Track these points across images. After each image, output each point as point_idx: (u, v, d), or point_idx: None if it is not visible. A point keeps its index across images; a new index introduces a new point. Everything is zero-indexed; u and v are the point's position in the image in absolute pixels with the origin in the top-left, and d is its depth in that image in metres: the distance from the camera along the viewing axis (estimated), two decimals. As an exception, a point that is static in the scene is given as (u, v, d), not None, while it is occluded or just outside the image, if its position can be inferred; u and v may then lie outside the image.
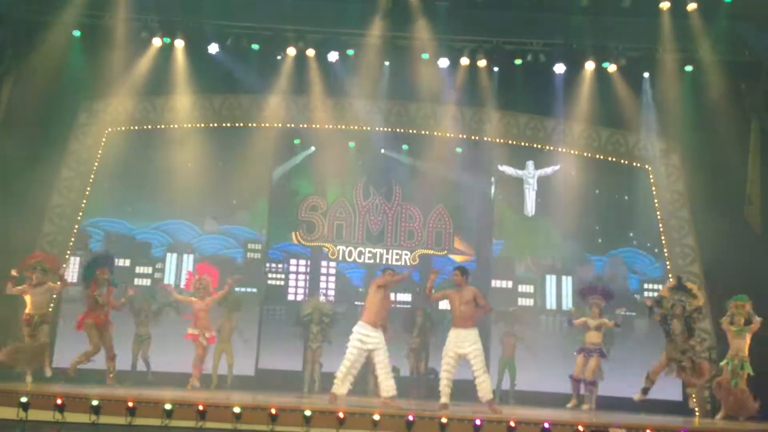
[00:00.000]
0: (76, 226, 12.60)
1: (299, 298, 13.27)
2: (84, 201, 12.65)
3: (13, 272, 10.41)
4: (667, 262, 12.82)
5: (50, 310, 10.81)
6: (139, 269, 12.90)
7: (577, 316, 11.40)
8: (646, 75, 12.71)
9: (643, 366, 10.82)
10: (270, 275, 13.39)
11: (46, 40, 11.91)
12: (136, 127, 13.01)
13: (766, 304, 10.83)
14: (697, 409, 11.12)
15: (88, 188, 12.69)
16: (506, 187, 13.56)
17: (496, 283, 13.16)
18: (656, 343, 11.02)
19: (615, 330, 11.42)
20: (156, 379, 11.46)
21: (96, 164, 12.76)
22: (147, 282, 12.80)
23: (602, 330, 11.02)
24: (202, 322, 10.99)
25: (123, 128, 12.93)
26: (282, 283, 13.45)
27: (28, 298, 10.48)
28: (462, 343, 9.10)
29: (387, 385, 9.21)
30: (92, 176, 12.74)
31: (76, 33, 12.23)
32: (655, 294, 11.13)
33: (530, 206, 13.44)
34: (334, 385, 9.30)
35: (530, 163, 13.51)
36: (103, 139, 12.84)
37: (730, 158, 12.17)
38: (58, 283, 10.68)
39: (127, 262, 12.78)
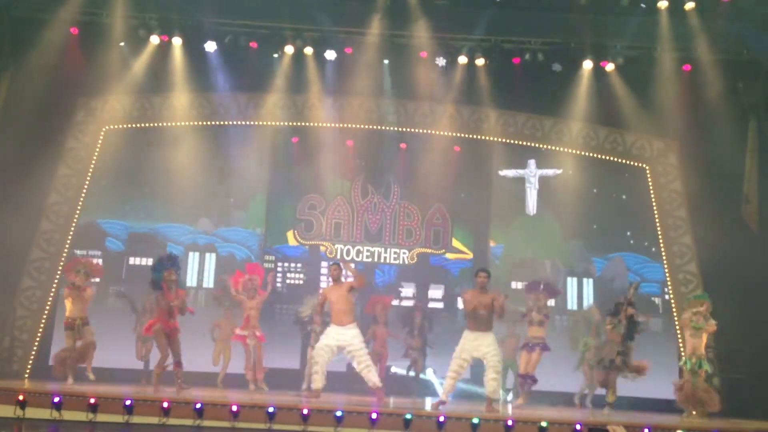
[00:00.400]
0: (74, 224, 12.58)
1: None
2: (81, 199, 12.63)
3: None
4: (665, 262, 12.84)
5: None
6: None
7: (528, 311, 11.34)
8: (644, 74, 12.70)
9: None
10: (289, 275, 13.37)
11: (43, 37, 11.87)
12: (134, 125, 13.00)
13: (763, 302, 10.86)
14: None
15: (86, 186, 12.68)
16: (506, 186, 13.56)
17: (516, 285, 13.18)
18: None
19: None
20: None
21: (93, 162, 12.74)
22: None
23: (545, 325, 10.98)
24: (252, 321, 10.96)
25: (121, 126, 12.91)
26: (301, 282, 13.41)
27: (68, 303, 10.50)
28: (479, 346, 9.11)
29: (368, 379, 9.41)
30: (90, 174, 12.71)
31: (74, 30, 12.20)
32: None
33: (532, 205, 13.47)
34: (313, 383, 9.53)
35: (532, 162, 13.54)
36: (101, 137, 12.82)
37: (728, 157, 12.19)
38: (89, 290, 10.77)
39: (149, 261, 12.76)
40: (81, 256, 11.39)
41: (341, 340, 9.48)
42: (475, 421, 8.05)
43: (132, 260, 12.99)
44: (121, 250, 12.94)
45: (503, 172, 13.52)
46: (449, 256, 13.59)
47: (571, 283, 13.21)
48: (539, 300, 11.02)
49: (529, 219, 13.51)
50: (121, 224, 13.02)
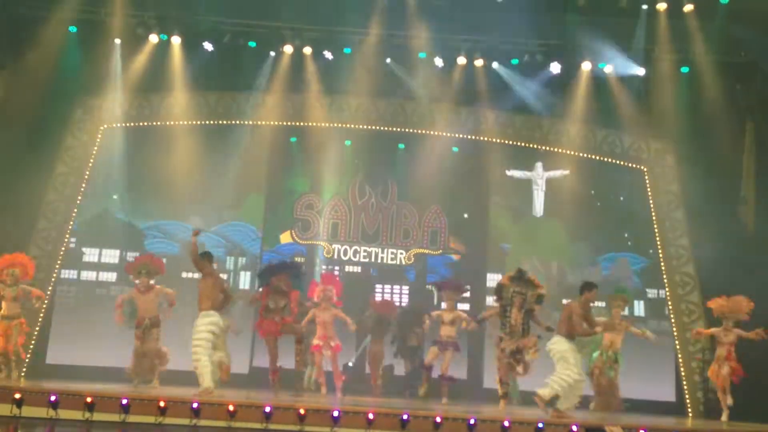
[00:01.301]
0: (71, 223, 12.57)
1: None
2: (79, 197, 12.62)
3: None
4: (662, 263, 12.85)
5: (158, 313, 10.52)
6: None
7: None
8: (642, 75, 12.71)
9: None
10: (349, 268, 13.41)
11: (41, 36, 11.85)
12: (132, 124, 13.00)
13: (760, 304, 10.86)
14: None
15: (83, 184, 12.67)
16: (505, 188, 13.56)
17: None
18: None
19: (473, 327, 10.98)
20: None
21: (91, 160, 12.74)
22: None
23: (456, 324, 10.85)
24: (327, 332, 10.69)
25: (118, 125, 12.92)
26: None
27: (137, 303, 10.36)
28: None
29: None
30: (87, 172, 12.71)
31: (72, 29, 12.19)
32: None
33: (539, 207, 13.48)
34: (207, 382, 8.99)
35: (539, 165, 13.55)
36: (99, 136, 12.82)
37: (725, 159, 12.22)
38: (170, 300, 10.59)
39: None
40: (143, 255, 11.05)
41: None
42: (472, 421, 8.05)
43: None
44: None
45: (510, 172, 13.53)
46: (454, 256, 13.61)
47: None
48: (451, 299, 11.00)
49: (531, 220, 13.52)
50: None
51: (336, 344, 10.84)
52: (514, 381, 11.33)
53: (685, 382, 12.06)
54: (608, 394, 10.65)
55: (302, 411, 7.99)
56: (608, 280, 13.06)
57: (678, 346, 12.28)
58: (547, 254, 13.41)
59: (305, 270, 11.29)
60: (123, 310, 10.46)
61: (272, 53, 12.72)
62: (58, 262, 12.37)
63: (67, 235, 12.52)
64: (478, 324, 10.82)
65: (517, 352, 9.90)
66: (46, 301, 12.03)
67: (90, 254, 12.79)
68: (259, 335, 10.44)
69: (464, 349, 12.52)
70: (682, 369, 12.14)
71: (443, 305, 11.25)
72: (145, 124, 13.04)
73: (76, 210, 12.60)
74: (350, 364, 12.65)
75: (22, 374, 10.81)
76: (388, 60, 12.78)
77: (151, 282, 10.49)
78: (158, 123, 13.03)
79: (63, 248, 12.44)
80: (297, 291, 10.33)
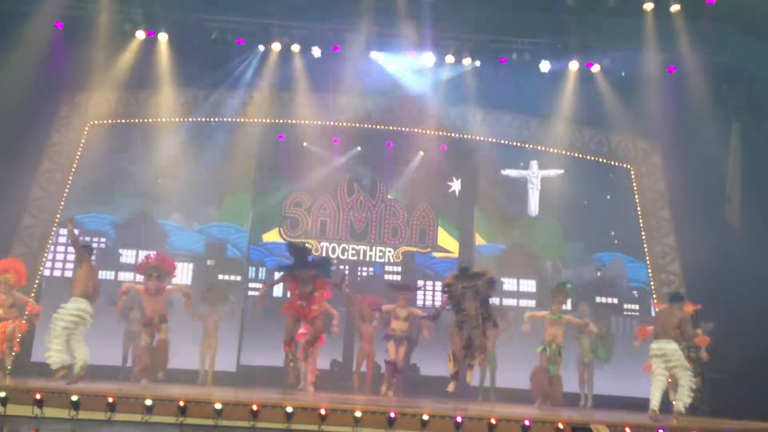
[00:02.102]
0: (57, 220, 12.49)
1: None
2: (65, 194, 12.54)
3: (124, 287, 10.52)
4: (648, 262, 12.93)
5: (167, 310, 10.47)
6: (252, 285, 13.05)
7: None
8: (629, 75, 12.78)
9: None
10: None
11: (28, 32, 11.75)
12: (119, 121, 12.93)
13: (745, 302, 10.96)
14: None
15: (69, 181, 12.58)
16: (494, 186, 13.59)
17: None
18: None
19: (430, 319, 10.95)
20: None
21: (77, 157, 12.66)
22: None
23: (410, 320, 11.20)
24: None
25: (105, 121, 12.85)
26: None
27: (145, 302, 10.28)
28: None
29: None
30: (73, 169, 12.63)
31: (59, 24, 12.09)
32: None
33: (534, 206, 13.54)
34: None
35: (534, 163, 13.60)
36: (85, 132, 12.74)
37: (711, 159, 12.31)
38: (184, 292, 10.63)
39: (239, 278, 12.88)
40: (153, 255, 10.81)
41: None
42: (459, 419, 8.06)
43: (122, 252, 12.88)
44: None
45: (506, 172, 13.56)
46: (436, 254, 13.61)
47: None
48: (405, 296, 11.33)
49: (525, 220, 13.56)
50: (106, 218, 12.94)
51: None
52: (492, 377, 11.43)
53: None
54: (554, 390, 10.57)
55: (290, 409, 7.98)
56: (603, 278, 13.15)
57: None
58: (542, 253, 13.45)
59: (333, 264, 11.22)
60: (124, 304, 10.60)
61: (260, 50, 12.67)
62: (44, 259, 12.29)
63: (53, 233, 12.43)
64: (432, 321, 10.78)
65: (470, 344, 9.63)
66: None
67: (126, 255, 12.75)
68: (281, 312, 9.99)
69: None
70: (667, 367, 12.22)
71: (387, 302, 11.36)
72: (132, 121, 12.97)
73: (61, 207, 12.51)
74: (337, 360, 12.66)
75: (7, 372, 10.72)
76: (377, 58, 12.77)
77: (161, 285, 10.41)
78: (145, 120, 12.96)
79: (48, 246, 12.34)
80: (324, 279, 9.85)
